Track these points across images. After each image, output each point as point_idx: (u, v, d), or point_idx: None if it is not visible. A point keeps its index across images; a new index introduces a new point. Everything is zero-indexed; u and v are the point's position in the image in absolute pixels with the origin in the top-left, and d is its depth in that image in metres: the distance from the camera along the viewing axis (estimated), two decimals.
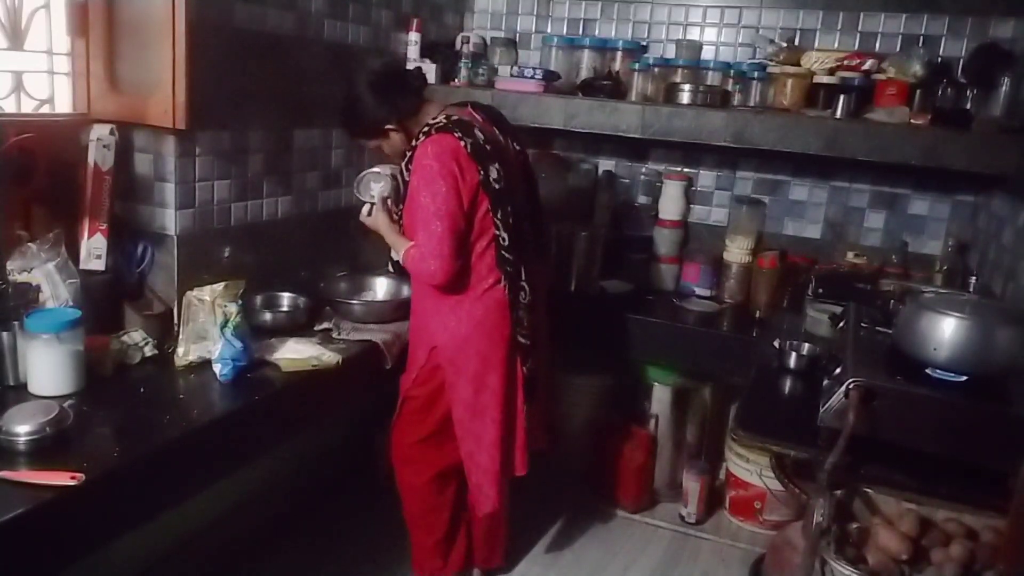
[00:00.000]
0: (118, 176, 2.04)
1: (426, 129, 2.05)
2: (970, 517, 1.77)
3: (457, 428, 2.16)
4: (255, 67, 2.22)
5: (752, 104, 2.81)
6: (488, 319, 2.10)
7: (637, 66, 2.84)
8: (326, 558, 2.51)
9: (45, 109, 2.03)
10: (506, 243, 2.07)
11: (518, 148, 2.25)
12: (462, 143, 2.00)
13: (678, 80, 2.83)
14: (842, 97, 2.56)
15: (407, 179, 2.10)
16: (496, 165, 2.05)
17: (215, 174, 2.17)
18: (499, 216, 2.05)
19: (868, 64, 2.68)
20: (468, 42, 3.00)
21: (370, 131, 2.15)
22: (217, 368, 1.87)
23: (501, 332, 2.12)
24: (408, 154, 2.10)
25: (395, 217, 2.21)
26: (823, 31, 2.93)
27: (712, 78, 2.88)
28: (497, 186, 2.04)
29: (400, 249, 2.11)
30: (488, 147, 2.05)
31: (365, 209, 2.23)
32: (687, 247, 3.21)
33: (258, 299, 2.28)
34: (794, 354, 2.16)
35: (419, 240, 2.02)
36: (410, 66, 2.67)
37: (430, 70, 2.83)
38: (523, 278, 2.12)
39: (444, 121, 2.04)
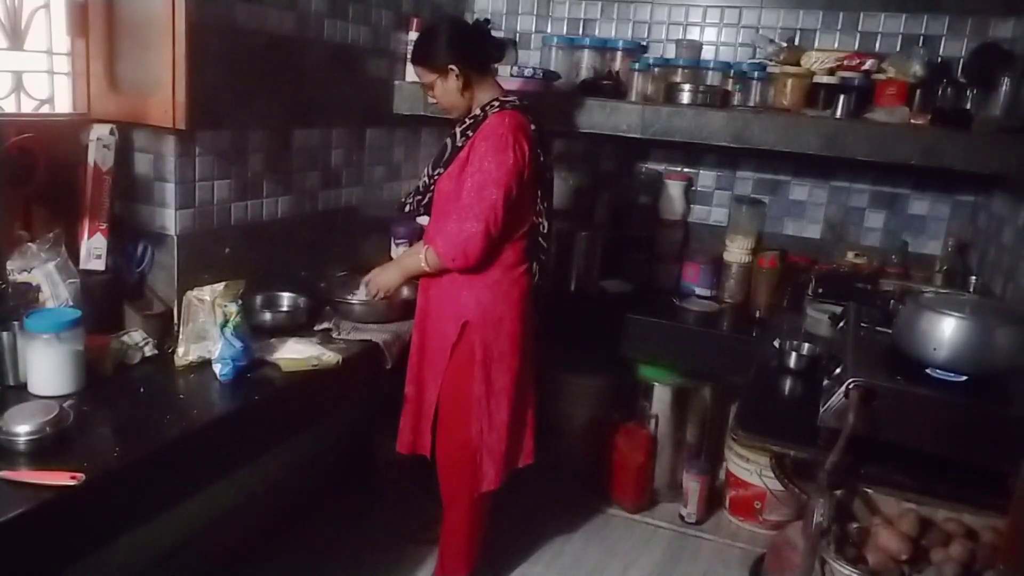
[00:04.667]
0: (118, 176, 2.04)
1: (497, 104, 2.10)
2: (970, 517, 1.76)
3: (474, 406, 2.17)
4: (255, 67, 2.22)
5: (752, 104, 2.81)
6: (522, 301, 2.17)
7: (637, 66, 2.84)
8: (326, 558, 2.51)
9: (45, 109, 2.03)
10: (544, 230, 2.20)
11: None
12: (532, 127, 2.10)
13: (678, 80, 2.83)
14: (842, 97, 2.55)
15: (457, 144, 2.11)
16: (551, 157, 2.19)
17: (215, 174, 2.17)
18: (544, 204, 2.19)
19: (868, 64, 2.68)
20: None
21: (433, 63, 2.11)
22: (217, 368, 1.87)
23: (529, 316, 2.20)
24: (468, 120, 2.12)
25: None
26: (823, 31, 2.94)
27: (712, 78, 2.88)
28: (548, 175, 2.21)
29: (420, 252, 2.14)
30: (546, 138, 2.17)
31: (372, 290, 2.28)
32: (687, 247, 3.21)
33: (258, 299, 2.28)
34: (794, 354, 2.15)
35: (465, 203, 2.02)
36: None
37: None
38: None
39: (517, 101, 2.13)
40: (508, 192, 2.01)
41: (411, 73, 2.82)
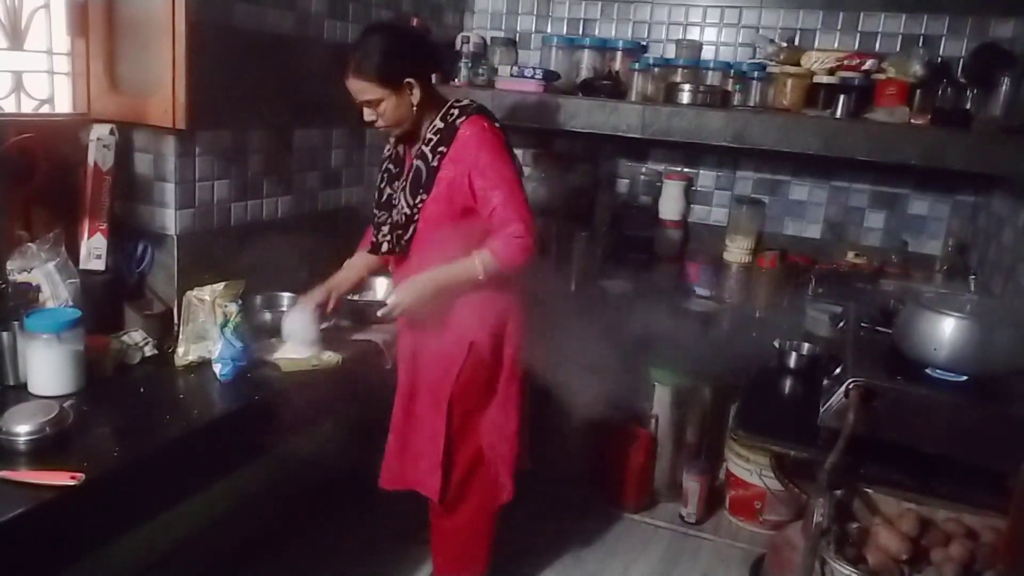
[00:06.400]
0: (118, 176, 2.04)
1: (457, 111, 1.96)
2: (970, 517, 1.76)
3: (483, 421, 2.12)
4: (255, 67, 2.22)
5: (752, 104, 2.81)
6: (518, 306, 2.08)
7: (637, 66, 2.84)
8: (326, 558, 2.51)
9: (45, 109, 2.03)
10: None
11: None
12: (496, 125, 2.00)
13: (678, 80, 2.83)
14: (842, 97, 2.55)
15: (432, 164, 1.93)
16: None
17: (215, 174, 2.17)
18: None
19: (868, 64, 2.68)
20: (468, 42, 3.00)
21: (386, 78, 1.88)
22: (217, 368, 1.87)
23: (524, 318, 2.11)
24: (432, 136, 1.95)
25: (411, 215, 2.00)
26: (823, 31, 2.93)
27: (712, 78, 2.88)
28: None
29: (475, 264, 1.89)
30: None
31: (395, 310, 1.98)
32: (687, 247, 3.21)
33: (258, 299, 2.28)
34: (794, 354, 2.16)
35: (507, 214, 1.87)
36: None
37: None
38: None
39: (474, 103, 2.01)
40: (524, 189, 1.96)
41: None
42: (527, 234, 1.88)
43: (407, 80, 1.90)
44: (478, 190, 1.90)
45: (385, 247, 2.07)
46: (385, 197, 2.08)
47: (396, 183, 2.06)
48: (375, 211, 2.12)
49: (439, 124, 1.95)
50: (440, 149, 1.93)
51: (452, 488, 2.18)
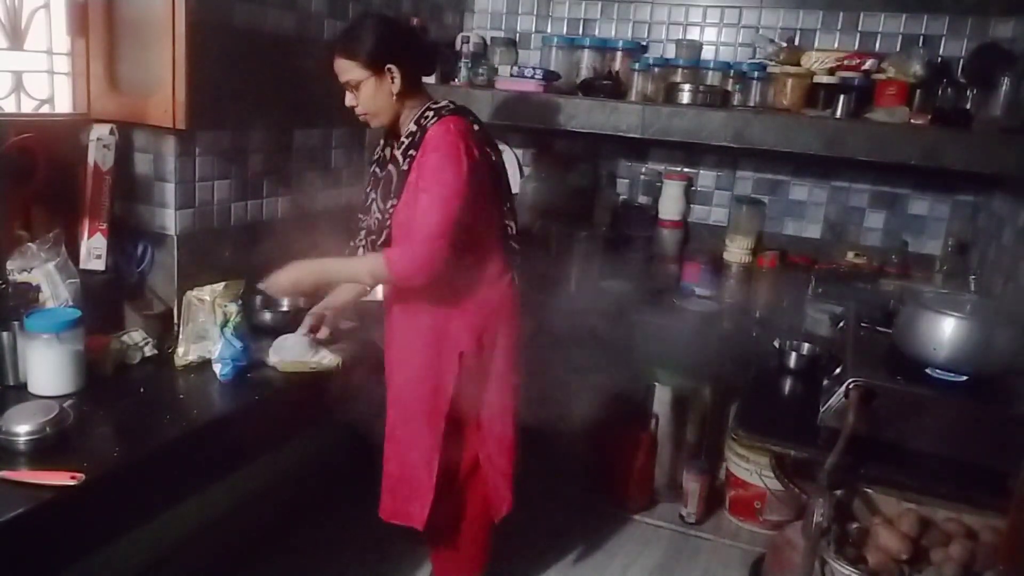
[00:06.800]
0: (118, 176, 2.04)
1: (432, 114, 1.89)
2: (970, 517, 1.77)
3: (477, 429, 2.08)
4: (255, 67, 2.23)
5: (752, 104, 2.81)
6: (513, 314, 2.04)
7: (637, 66, 2.84)
8: (326, 558, 2.51)
9: (45, 109, 2.03)
10: (513, 232, 2.03)
11: None
12: (475, 127, 1.93)
13: (678, 80, 2.83)
14: (842, 97, 2.55)
15: (403, 168, 1.89)
16: (499, 155, 2.02)
17: (215, 174, 2.17)
18: (508, 205, 2.03)
19: (868, 64, 2.68)
20: (468, 42, 3.00)
21: (369, 59, 1.85)
22: (217, 368, 1.88)
23: (518, 326, 2.06)
24: (405, 140, 1.91)
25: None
26: (823, 31, 2.93)
27: (712, 78, 2.88)
28: (504, 174, 2.03)
29: (364, 267, 1.91)
30: (490, 136, 2.01)
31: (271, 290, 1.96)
32: (687, 247, 3.21)
33: (258, 299, 2.28)
34: (794, 354, 2.16)
35: (425, 221, 1.79)
36: None
37: None
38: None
39: (452, 105, 1.94)
40: (466, 202, 1.81)
41: None
42: (425, 249, 1.79)
43: (388, 66, 1.86)
44: (419, 192, 1.83)
45: (361, 252, 2.05)
46: (369, 202, 2.06)
47: (379, 188, 2.03)
48: (359, 215, 2.10)
49: (412, 127, 1.90)
50: (411, 153, 1.88)
51: (446, 499, 2.15)
